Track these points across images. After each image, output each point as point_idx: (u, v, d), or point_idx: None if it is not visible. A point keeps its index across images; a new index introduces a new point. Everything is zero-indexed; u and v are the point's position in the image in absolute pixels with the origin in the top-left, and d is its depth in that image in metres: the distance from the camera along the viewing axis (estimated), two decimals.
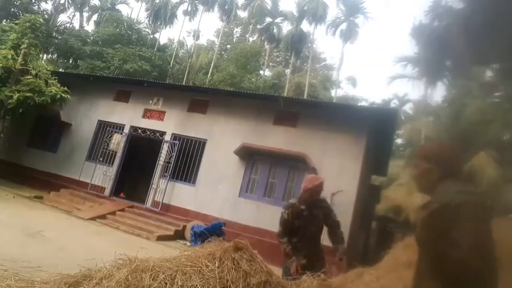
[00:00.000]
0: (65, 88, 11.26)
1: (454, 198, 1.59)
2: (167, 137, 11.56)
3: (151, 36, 30.70)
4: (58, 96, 10.96)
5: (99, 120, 12.74)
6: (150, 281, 2.87)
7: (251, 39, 37.18)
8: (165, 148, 11.45)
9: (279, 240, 3.92)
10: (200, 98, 11.78)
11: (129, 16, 31.90)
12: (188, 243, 9.32)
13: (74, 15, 31.44)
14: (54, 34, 24.62)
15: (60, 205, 10.38)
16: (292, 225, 3.88)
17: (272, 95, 15.01)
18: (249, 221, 9.87)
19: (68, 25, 29.76)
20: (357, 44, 69.52)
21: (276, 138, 10.28)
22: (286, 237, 3.87)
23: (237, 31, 41.50)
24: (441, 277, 1.55)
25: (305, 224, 3.91)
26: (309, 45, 32.39)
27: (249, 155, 10.54)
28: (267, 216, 9.73)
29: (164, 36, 44.99)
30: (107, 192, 11.61)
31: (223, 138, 10.98)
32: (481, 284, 1.50)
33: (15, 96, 10.51)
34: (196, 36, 34.34)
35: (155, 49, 27.52)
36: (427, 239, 1.62)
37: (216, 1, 30.78)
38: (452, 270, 1.51)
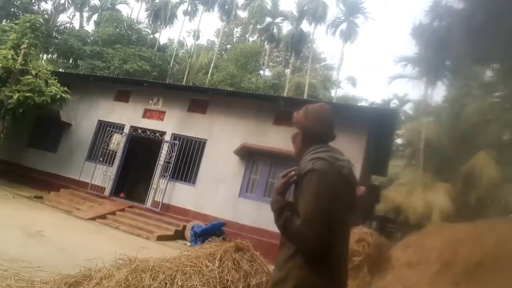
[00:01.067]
0: (65, 88, 11.25)
1: (306, 166, 1.59)
2: (167, 137, 11.56)
3: (151, 36, 30.66)
4: (58, 96, 10.95)
5: (99, 120, 12.74)
6: (150, 281, 2.87)
7: (251, 39, 37.17)
8: (165, 148, 11.45)
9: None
10: (200, 98, 11.78)
11: (129, 16, 31.87)
12: (188, 243, 9.31)
13: (74, 15, 31.43)
14: (54, 34, 24.58)
15: (60, 205, 10.37)
16: None
17: (272, 95, 15.00)
18: (249, 221, 9.88)
19: (68, 25, 29.75)
20: (357, 44, 69.52)
21: (276, 138, 10.27)
22: None
23: (237, 31, 41.49)
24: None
25: None
26: (309, 45, 32.36)
27: (249, 155, 10.54)
28: (267, 216, 9.73)
29: (164, 36, 44.97)
30: (107, 192, 11.61)
31: (223, 138, 10.98)
32: (310, 250, 1.52)
33: (15, 96, 10.50)
34: (196, 36, 34.30)
35: (155, 49, 27.49)
36: (281, 207, 1.61)
37: (216, 1, 30.73)
38: (290, 237, 1.56)
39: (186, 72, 26.09)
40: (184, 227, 9.94)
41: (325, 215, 1.51)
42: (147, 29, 31.16)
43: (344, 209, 1.61)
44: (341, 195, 1.58)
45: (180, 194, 10.97)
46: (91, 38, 26.09)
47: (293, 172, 1.64)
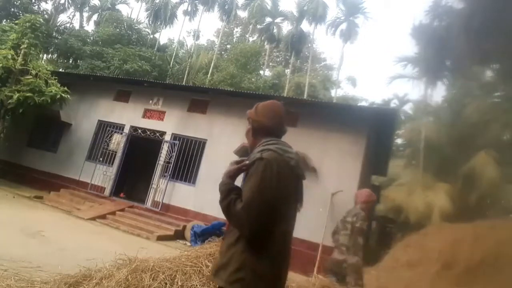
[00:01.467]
0: (65, 88, 11.25)
1: (254, 156, 1.69)
2: (167, 137, 11.55)
3: (151, 36, 30.66)
4: (58, 96, 10.94)
5: (99, 120, 12.73)
6: (150, 281, 2.87)
7: (251, 39, 37.15)
8: (165, 148, 11.44)
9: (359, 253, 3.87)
10: (200, 98, 11.78)
11: (129, 16, 31.87)
12: (188, 243, 9.31)
13: (74, 15, 31.44)
14: (54, 34, 24.59)
15: (60, 205, 10.37)
16: None
17: (272, 95, 15.01)
18: None
19: (68, 25, 29.78)
20: (357, 44, 69.58)
21: None
22: None
23: (237, 31, 41.49)
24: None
25: None
26: (309, 45, 32.37)
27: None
28: None
29: (164, 36, 44.98)
30: (107, 192, 11.61)
31: (223, 138, 10.97)
32: (249, 234, 1.58)
33: (15, 96, 10.50)
34: (196, 36, 34.29)
35: (155, 49, 27.49)
36: (228, 189, 1.73)
37: (216, 1, 30.74)
38: (231, 219, 1.67)
39: (186, 72, 26.08)
40: (184, 227, 9.93)
41: (267, 202, 1.58)
42: (147, 29, 31.16)
43: (288, 199, 1.70)
44: (286, 185, 1.66)
45: (180, 194, 10.96)
46: (91, 38, 26.09)
47: (247, 161, 1.73)
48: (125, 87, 13.00)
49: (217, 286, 1.69)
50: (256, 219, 1.55)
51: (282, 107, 1.93)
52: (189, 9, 31.99)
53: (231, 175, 1.76)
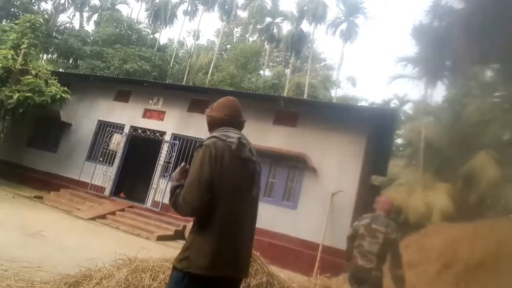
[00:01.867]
0: (65, 88, 11.25)
1: (202, 142, 1.82)
2: (167, 137, 11.56)
3: (151, 36, 30.66)
4: (58, 96, 10.94)
5: (99, 120, 12.74)
6: (150, 281, 2.87)
7: (251, 39, 37.14)
8: (165, 148, 11.45)
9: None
10: (200, 98, 11.78)
11: (129, 16, 31.86)
12: None
13: (74, 15, 31.43)
14: (54, 34, 24.58)
15: (60, 205, 10.37)
16: None
17: (272, 95, 15.00)
18: None
19: (68, 25, 29.77)
20: (357, 44, 69.58)
21: (276, 138, 10.27)
22: None
23: (237, 31, 41.48)
24: None
25: None
26: (309, 45, 32.37)
27: None
28: (267, 216, 9.72)
29: (164, 36, 44.94)
30: (107, 192, 11.61)
31: None
32: (193, 213, 1.71)
33: (15, 96, 10.50)
34: (196, 36, 34.30)
35: (155, 49, 27.48)
36: (174, 187, 1.83)
37: (216, 1, 30.74)
38: (176, 207, 1.76)
39: (186, 72, 26.07)
40: (184, 227, 9.93)
41: (207, 182, 1.68)
42: (147, 29, 31.16)
43: (231, 181, 1.77)
44: (227, 167, 1.75)
45: None
46: (91, 38, 26.08)
47: (183, 163, 1.91)
48: (125, 87, 13.01)
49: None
50: (196, 197, 1.65)
51: (232, 101, 2.09)
52: (189, 9, 31.99)
53: (176, 179, 1.86)
